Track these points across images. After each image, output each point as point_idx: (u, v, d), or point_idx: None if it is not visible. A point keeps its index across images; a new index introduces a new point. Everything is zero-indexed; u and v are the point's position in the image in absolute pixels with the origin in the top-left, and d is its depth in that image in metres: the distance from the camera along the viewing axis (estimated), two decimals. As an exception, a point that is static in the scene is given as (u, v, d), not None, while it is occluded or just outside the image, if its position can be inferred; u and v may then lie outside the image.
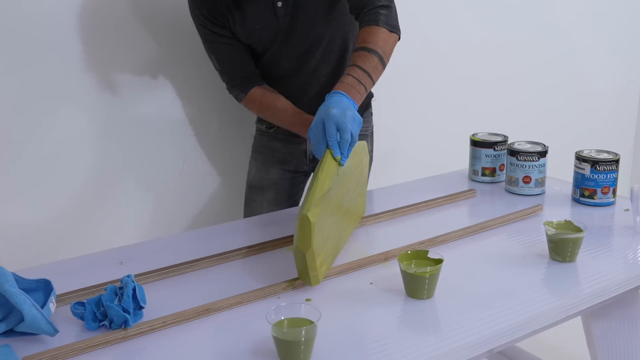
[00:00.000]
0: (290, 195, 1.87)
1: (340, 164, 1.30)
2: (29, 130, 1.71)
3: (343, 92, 1.36)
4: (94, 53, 1.76)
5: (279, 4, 1.55)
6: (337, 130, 1.30)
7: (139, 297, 1.11)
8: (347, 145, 1.31)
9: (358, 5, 1.52)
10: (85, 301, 1.11)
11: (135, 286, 1.12)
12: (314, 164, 1.81)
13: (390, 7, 1.53)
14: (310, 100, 1.64)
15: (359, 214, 1.54)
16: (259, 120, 1.86)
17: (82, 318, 1.10)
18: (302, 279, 1.21)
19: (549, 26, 2.90)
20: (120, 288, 1.13)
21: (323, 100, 1.38)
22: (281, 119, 1.64)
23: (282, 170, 1.84)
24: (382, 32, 1.48)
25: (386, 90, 2.45)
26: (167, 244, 1.48)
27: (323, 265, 1.23)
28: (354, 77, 1.40)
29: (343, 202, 1.36)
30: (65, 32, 1.70)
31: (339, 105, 1.31)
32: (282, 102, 1.63)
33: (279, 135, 1.80)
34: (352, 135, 1.31)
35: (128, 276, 1.14)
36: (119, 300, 1.09)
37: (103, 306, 1.09)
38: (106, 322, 1.08)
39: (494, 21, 2.72)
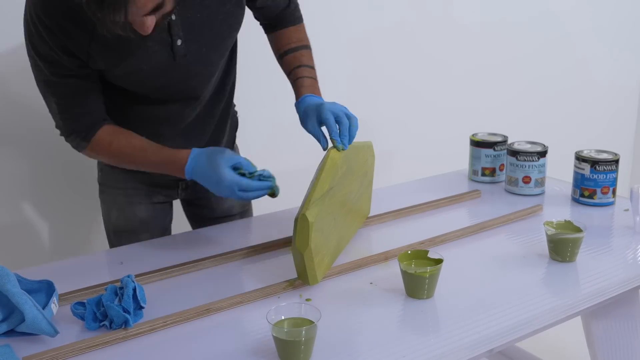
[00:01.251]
0: (168, 229, 1.66)
1: (343, 149, 1.32)
2: (28, 130, 1.71)
3: (315, 95, 1.43)
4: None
5: (179, 42, 1.30)
6: (335, 119, 1.32)
7: (139, 297, 1.11)
8: (347, 129, 1.33)
9: (274, 11, 1.51)
10: (85, 301, 1.11)
11: (135, 286, 1.12)
12: (186, 192, 1.61)
13: (296, 2, 1.57)
14: (187, 125, 1.47)
15: (364, 214, 1.54)
16: None
17: (82, 318, 1.10)
18: (301, 279, 1.21)
19: (551, 31, 2.91)
20: (121, 288, 1.13)
21: (200, 124, 1.46)
22: (142, 161, 1.35)
23: (151, 205, 1.57)
24: (303, 27, 1.57)
25: (386, 90, 2.46)
26: (167, 244, 1.48)
27: (322, 265, 1.23)
28: (312, 77, 1.47)
29: (346, 202, 1.36)
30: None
31: (322, 100, 1.38)
32: (138, 141, 1.34)
33: None
34: (348, 117, 1.34)
35: (128, 276, 1.14)
36: (119, 301, 1.09)
37: (103, 306, 1.09)
38: (106, 322, 1.08)
39: (494, 22, 2.72)
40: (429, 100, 2.59)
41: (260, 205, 1.83)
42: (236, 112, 1.66)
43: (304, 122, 1.39)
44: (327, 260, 1.26)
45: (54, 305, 1.12)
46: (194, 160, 1.30)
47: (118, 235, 1.57)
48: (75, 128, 1.33)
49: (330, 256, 1.29)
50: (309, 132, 1.38)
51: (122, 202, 1.55)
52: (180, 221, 2.02)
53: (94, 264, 1.37)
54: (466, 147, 1.89)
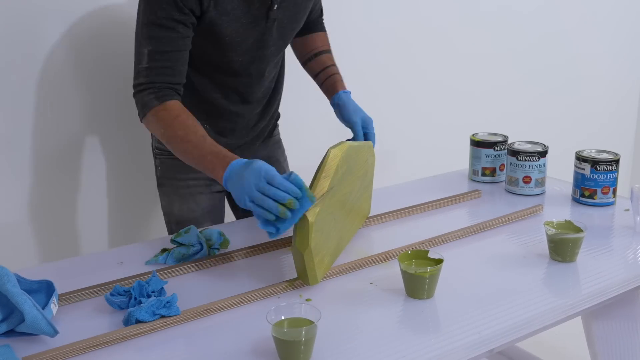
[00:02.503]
0: (223, 217, 1.72)
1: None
2: (28, 130, 1.71)
3: (348, 91, 1.64)
4: (93, 54, 1.76)
5: (275, 6, 1.42)
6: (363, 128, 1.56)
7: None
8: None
9: (310, 17, 1.66)
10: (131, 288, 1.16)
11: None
12: None
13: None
14: (248, 106, 1.57)
15: (364, 214, 1.54)
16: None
17: (120, 307, 1.14)
18: (301, 279, 1.21)
19: (550, 28, 2.91)
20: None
21: (261, 111, 1.62)
22: (195, 148, 1.30)
23: (211, 195, 1.64)
24: (326, 34, 1.76)
25: (387, 90, 2.46)
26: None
27: (322, 265, 1.23)
28: (339, 74, 1.67)
29: (346, 202, 1.36)
30: (66, 32, 1.70)
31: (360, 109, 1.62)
32: (201, 128, 1.33)
33: None
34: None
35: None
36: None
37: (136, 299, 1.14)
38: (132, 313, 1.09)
39: (496, 24, 2.72)
40: (429, 100, 2.59)
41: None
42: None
43: (342, 113, 1.60)
44: (327, 260, 1.26)
45: (53, 305, 1.12)
46: (230, 172, 1.23)
47: (181, 226, 1.58)
48: (156, 82, 1.34)
49: (330, 256, 1.29)
50: (347, 123, 1.59)
51: (183, 193, 1.61)
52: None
53: (94, 264, 1.37)
54: (466, 147, 1.89)
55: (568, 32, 2.96)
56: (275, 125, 1.77)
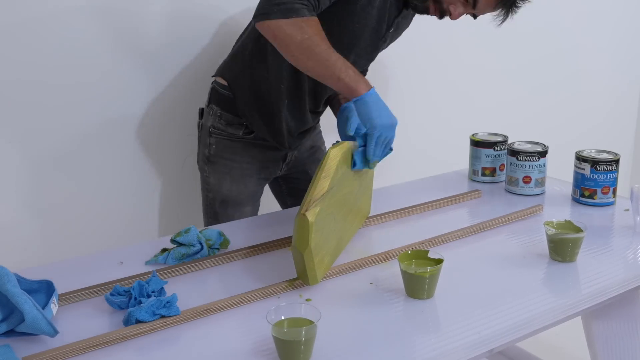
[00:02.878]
0: (259, 203, 1.82)
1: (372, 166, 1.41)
2: (29, 130, 1.71)
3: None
4: (94, 53, 1.76)
5: (392, 28, 1.61)
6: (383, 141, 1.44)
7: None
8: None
9: None
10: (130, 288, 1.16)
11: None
12: (288, 167, 1.79)
13: None
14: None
15: (364, 214, 1.54)
16: (232, 125, 1.66)
17: (120, 307, 1.14)
18: (301, 279, 1.21)
19: (549, 25, 2.90)
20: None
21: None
22: (339, 59, 1.35)
23: (258, 180, 1.74)
24: None
25: (387, 90, 2.45)
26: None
27: (322, 265, 1.23)
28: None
29: (346, 202, 1.36)
30: (66, 32, 1.70)
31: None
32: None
33: (257, 141, 1.68)
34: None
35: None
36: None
37: (136, 299, 1.14)
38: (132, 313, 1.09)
39: (496, 23, 2.71)
40: (429, 100, 2.59)
41: (261, 205, 1.84)
42: None
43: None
44: (327, 260, 1.26)
45: (53, 305, 1.12)
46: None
47: (225, 205, 1.70)
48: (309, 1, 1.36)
49: (330, 256, 1.29)
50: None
51: (236, 174, 1.69)
52: (183, 223, 2.01)
53: (94, 264, 1.37)
54: (466, 147, 1.89)
55: (567, 29, 2.96)
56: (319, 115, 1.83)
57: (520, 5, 1.62)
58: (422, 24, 2.48)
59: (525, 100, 2.91)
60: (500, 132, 1.92)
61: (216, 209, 1.72)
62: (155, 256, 1.36)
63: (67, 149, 1.78)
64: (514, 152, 1.73)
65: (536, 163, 1.71)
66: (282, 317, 1.02)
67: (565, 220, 1.38)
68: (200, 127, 1.73)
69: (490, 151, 1.83)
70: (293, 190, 1.88)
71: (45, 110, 1.72)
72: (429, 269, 1.17)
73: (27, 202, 1.74)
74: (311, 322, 0.99)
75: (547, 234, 1.34)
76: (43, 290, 1.15)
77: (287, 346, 0.97)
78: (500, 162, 1.84)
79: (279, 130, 1.65)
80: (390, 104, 2.46)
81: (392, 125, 1.42)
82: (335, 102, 1.72)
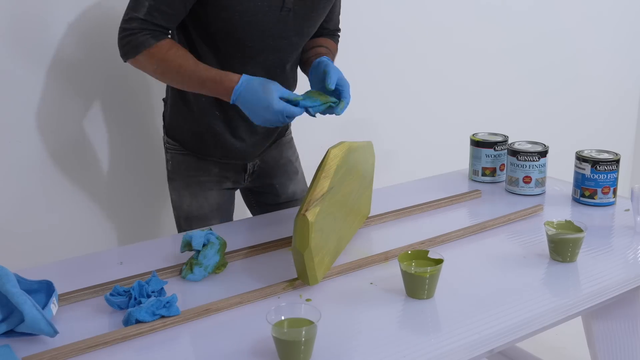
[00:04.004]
0: (232, 215, 1.73)
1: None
2: (29, 130, 1.71)
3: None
4: (92, 55, 1.76)
5: None
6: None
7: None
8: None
9: (330, 25, 1.64)
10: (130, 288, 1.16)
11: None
12: (252, 178, 1.69)
13: (339, 35, 1.71)
14: None
15: (364, 214, 1.54)
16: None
17: (120, 307, 1.14)
18: (301, 279, 1.21)
19: (551, 27, 2.91)
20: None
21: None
22: (191, 74, 1.35)
23: (220, 192, 1.64)
24: (335, 44, 1.69)
25: (386, 90, 2.46)
26: (167, 244, 1.48)
27: (322, 265, 1.23)
28: (331, 51, 1.60)
29: (346, 202, 1.36)
30: (66, 33, 1.70)
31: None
32: (192, 58, 1.38)
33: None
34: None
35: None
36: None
37: (136, 299, 1.13)
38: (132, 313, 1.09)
39: (496, 23, 2.72)
40: (429, 99, 2.59)
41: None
42: None
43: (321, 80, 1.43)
44: (327, 260, 1.26)
45: (53, 306, 1.12)
46: (244, 83, 1.33)
47: (189, 222, 1.62)
48: (156, 24, 1.35)
49: (330, 256, 1.29)
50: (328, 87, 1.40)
51: (194, 189, 1.61)
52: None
53: (94, 264, 1.37)
54: (466, 147, 1.89)
55: (568, 31, 2.96)
56: (288, 126, 1.74)
57: None
58: (422, 24, 2.49)
59: (527, 100, 2.91)
60: (501, 132, 1.92)
61: (183, 227, 1.65)
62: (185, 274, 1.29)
63: (67, 149, 1.78)
64: (514, 152, 1.73)
65: (536, 163, 1.71)
66: (282, 317, 1.02)
67: (565, 220, 1.38)
68: (164, 142, 1.66)
69: (490, 151, 1.83)
70: (262, 205, 1.77)
71: (46, 110, 1.72)
72: (429, 269, 1.17)
73: (27, 202, 1.75)
74: (311, 322, 0.99)
75: (547, 234, 1.34)
76: (43, 290, 1.15)
77: (287, 346, 0.97)
78: (500, 162, 1.84)
79: (220, 145, 1.55)
80: (391, 104, 2.47)
81: (274, 111, 1.32)
82: (305, 59, 1.59)
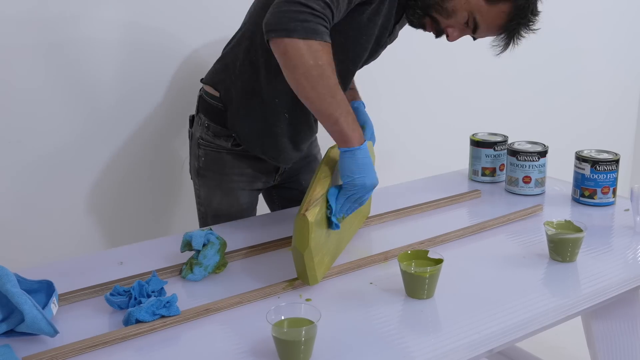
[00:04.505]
0: (255, 213, 1.73)
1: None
2: (29, 130, 1.71)
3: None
4: (95, 54, 1.76)
5: (397, 27, 1.55)
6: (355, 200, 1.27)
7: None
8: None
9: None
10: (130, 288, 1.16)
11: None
12: (281, 177, 1.69)
13: None
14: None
15: (364, 214, 1.54)
16: (220, 137, 1.56)
17: (120, 307, 1.14)
18: (301, 279, 1.21)
19: (549, 27, 2.90)
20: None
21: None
22: (343, 99, 1.24)
23: (250, 192, 1.65)
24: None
25: (386, 90, 2.45)
26: (167, 244, 1.48)
27: (322, 265, 1.23)
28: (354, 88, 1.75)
29: None
30: (65, 33, 1.70)
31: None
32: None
33: (249, 152, 1.57)
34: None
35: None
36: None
37: (136, 299, 1.14)
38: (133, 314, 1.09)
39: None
40: (429, 100, 2.59)
41: (261, 205, 1.84)
42: None
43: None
44: (327, 260, 1.26)
45: (53, 305, 1.12)
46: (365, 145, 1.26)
47: (217, 219, 1.62)
48: (331, 19, 1.23)
49: (330, 256, 1.29)
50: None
51: (226, 187, 1.60)
52: (183, 224, 2.02)
53: (94, 264, 1.37)
54: (466, 147, 1.89)
55: (568, 29, 2.96)
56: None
57: (525, 35, 1.52)
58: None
59: (526, 100, 2.91)
60: (501, 132, 1.92)
61: (209, 223, 1.64)
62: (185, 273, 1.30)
63: (68, 149, 1.78)
64: (514, 152, 1.73)
65: (536, 163, 1.71)
66: (282, 317, 1.02)
67: (565, 220, 1.38)
68: (191, 136, 1.64)
69: (490, 151, 1.83)
70: (284, 200, 1.77)
71: (46, 110, 1.72)
72: (428, 269, 1.17)
73: (27, 202, 1.74)
74: (311, 322, 0.99)
75: (547, 234, 1.34)
76: (43, 290, 1.15)
77: (287, 346, 0.97)
78: (500, 162, 1.84)
79: (275, 146, 1.55)
80: (391, 104, 2.47)
81: (372, 187, 1.25)
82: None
